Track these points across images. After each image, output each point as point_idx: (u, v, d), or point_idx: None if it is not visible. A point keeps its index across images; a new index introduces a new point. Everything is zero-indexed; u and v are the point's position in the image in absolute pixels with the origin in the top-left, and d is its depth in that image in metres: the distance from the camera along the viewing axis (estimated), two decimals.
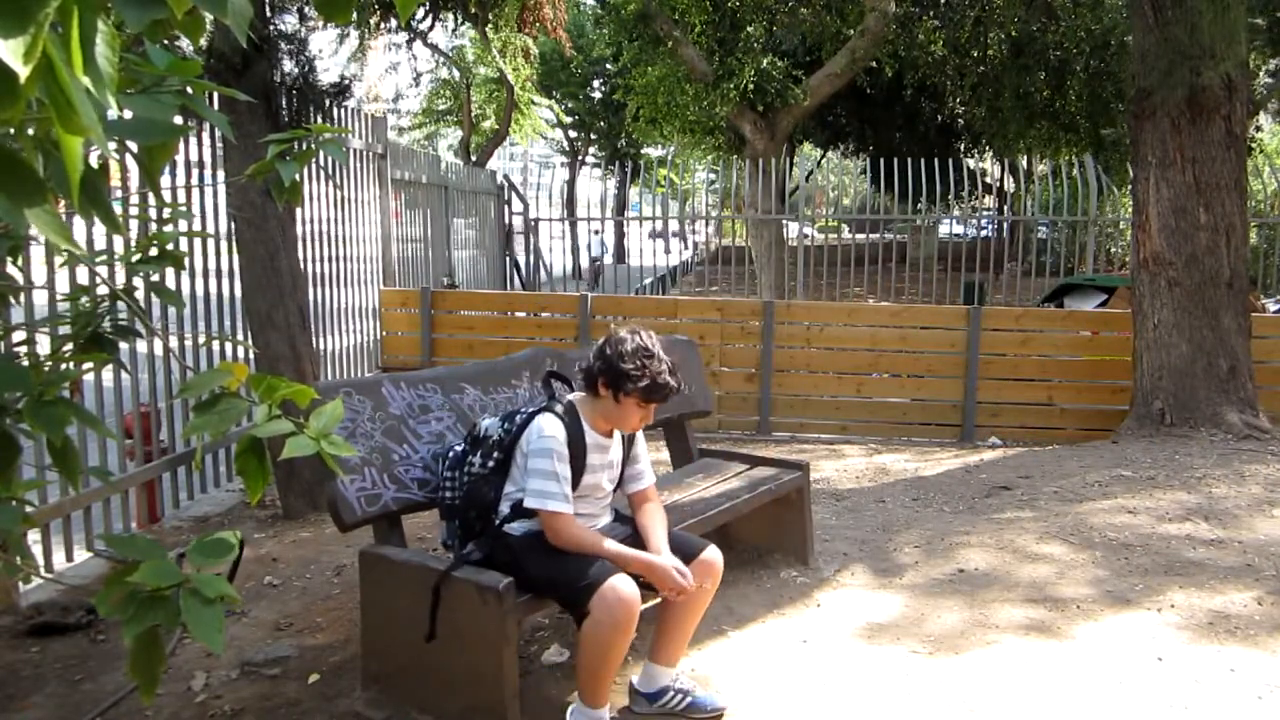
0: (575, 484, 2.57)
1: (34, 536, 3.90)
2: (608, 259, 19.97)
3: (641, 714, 2.68)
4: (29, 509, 2.04)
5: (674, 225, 17.27)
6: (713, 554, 2.65)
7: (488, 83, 22.21)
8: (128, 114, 1.34)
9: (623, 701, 2.73)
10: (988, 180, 22.09)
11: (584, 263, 16.83)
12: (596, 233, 19.00)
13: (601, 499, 2.74)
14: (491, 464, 2.66)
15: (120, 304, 2.07)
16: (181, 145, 4.79)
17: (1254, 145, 12.76)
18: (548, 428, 2.55)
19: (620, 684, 2.81)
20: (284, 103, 5.20)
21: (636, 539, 2.68)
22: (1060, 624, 3.19)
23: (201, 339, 4.93)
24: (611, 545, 2.51)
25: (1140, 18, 5.93)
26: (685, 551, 2.63)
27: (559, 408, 2.63)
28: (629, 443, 2.77)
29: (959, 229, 20.65)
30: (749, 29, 12.30)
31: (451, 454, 2.77)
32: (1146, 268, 5.95)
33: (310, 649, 3.17)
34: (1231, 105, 5.73)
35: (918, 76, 14.19)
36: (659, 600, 2.68)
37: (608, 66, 23.46)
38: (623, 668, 2.89)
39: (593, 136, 28.72)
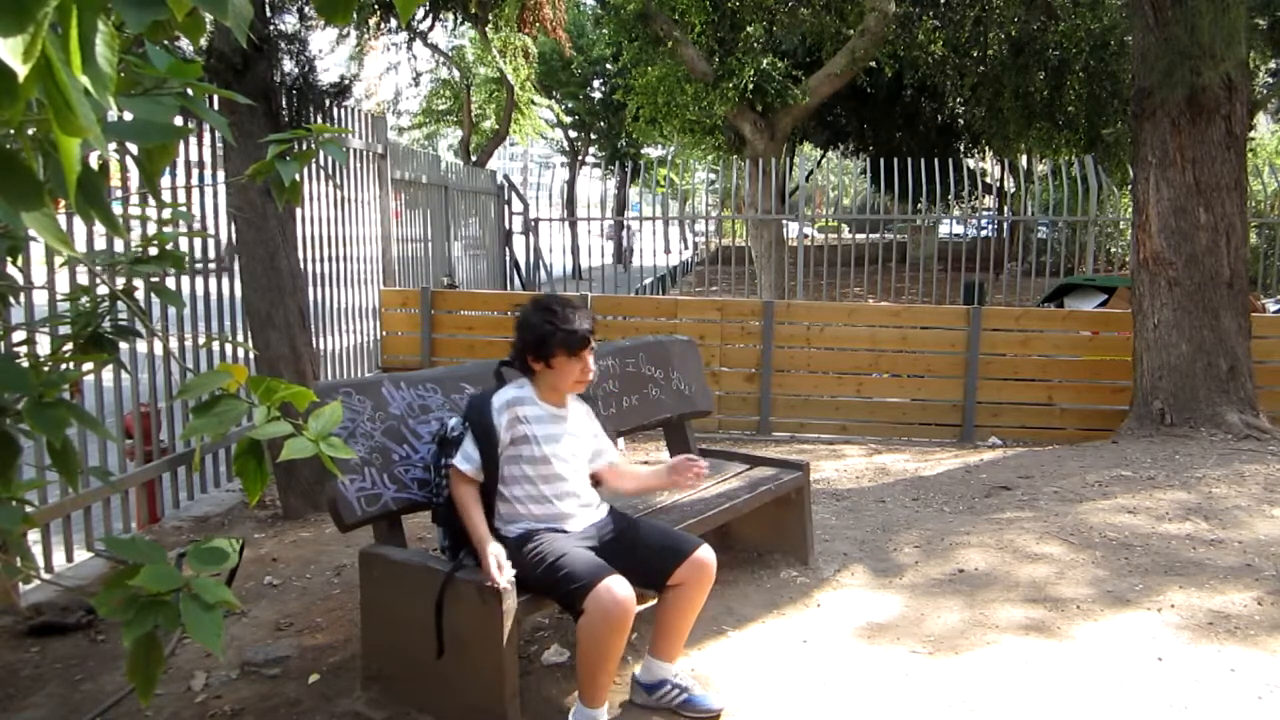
0: (493, 455, 2.61)
1: (34, 536, 3.90)
2: (608, 259, 20.12)
3: (641, 705, 2.71)
4: (29, 509, 2.04)
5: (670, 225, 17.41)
6: (705, 553, 2.64)
7: (488, 83, 22.20)
8: (128, 115, 1.34)
9: (623, 697, 2.74)
10: (988, 180, 22.08)
11: (580, 262, 17.15)
12: (625, 226, 19.46)
13: (572, 474, 2.71)
14: None
15: (120, 304, 2.07)
16: (182, 145, 4.79)
17: (1252, 147, 12.76)
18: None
19: (622, 684, 2.82)
20: (284, 103, 5.20)
21: (629, 536, 2.68)
22: (1060, 624, 3.19)
23: (201, 339, 4.93)
24: (475, 528, 2.55)
25: (1140, 18, 5.93)
26: (678, 549, 2.63)
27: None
28: (588, 414, 2.84)
29: (959, 229, 20.65)
30: (749, 29, 12.30)
31: (430, 455, 2.79)
32: (1146, 268, 5.95)
33: (310, 649, 3.17)
34: (1231, 105, 5.73)
35: (918, 76, 14.18)
36: (654, 601, 2.69)
37: (608, 66, 23.44)
38: (625, 666, 2.89)
39: (593, 136, 28.69)
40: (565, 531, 2.64)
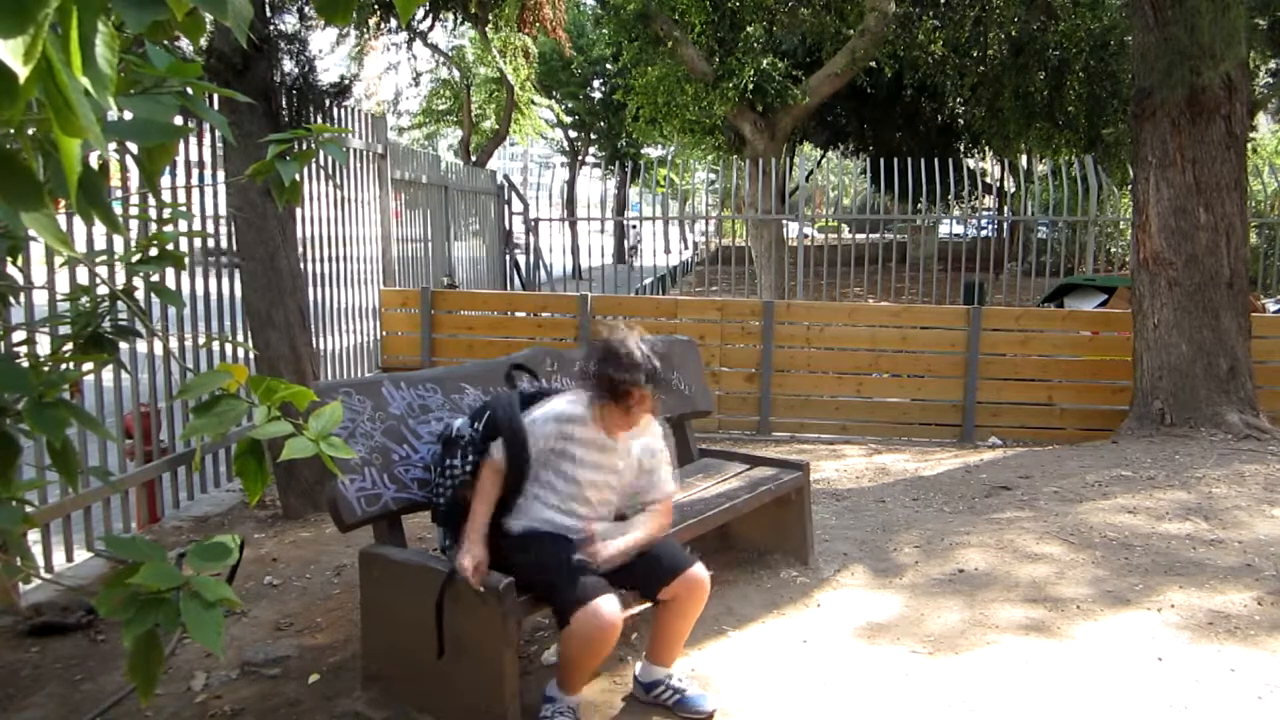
0: (519, 454, 2.61)
1: (34, 536, 3.90)
2: (608, 259, 20.21)
3: (640, 700, 2.74)
4: (29, 509, 2.03)
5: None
6: (699, 571, 2.64)
7: (488, 83, 22.20)
8: (128, 115, 1.34)
9: (626, 692, 2.76)
10: (988, 180, 22.08)
11: (580, 262, 17.20)
12: (634, 227, 19.80)
13: (598, 502, 2.71)
14: (470, 466, 2.68)
15: (120, 304, 2.07)
16: (181, 145, 4.79)
17: (1252, 146, 12.76)
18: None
19: (624, 682, 2.82)
20: (284, 103, 5.20)
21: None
22: (1060, 624, 3.19)
23: (201, 339, 4.93)
24: (474, 520, 2.57)
25: (1140, 18, 5.93)
26: (672, 565, 2.62)
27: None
28: (648, 455, 2.75)
29: (959, 229, 20.65)
30: (749, 29, 12.30)
31: (431, 455, 2.79)
32: (1146, 268, 5.95)
33: (310, 649, 3.17)
34: (1231, 105, 5.73)
35: (918, 76, 14.18)
36: (648, 605, 2.70)
37: (608, 66, 23.44)
38: (626, 665, 2.89)
39: (593, 136, 28.68)
40: (568, 539, 2.64)
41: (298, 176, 1.89)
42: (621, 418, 2.62)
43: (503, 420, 2.65)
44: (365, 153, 7.06)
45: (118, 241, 3.61)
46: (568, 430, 2.64)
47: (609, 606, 2.41)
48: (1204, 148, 5.74)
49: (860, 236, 18.76)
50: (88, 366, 2.10)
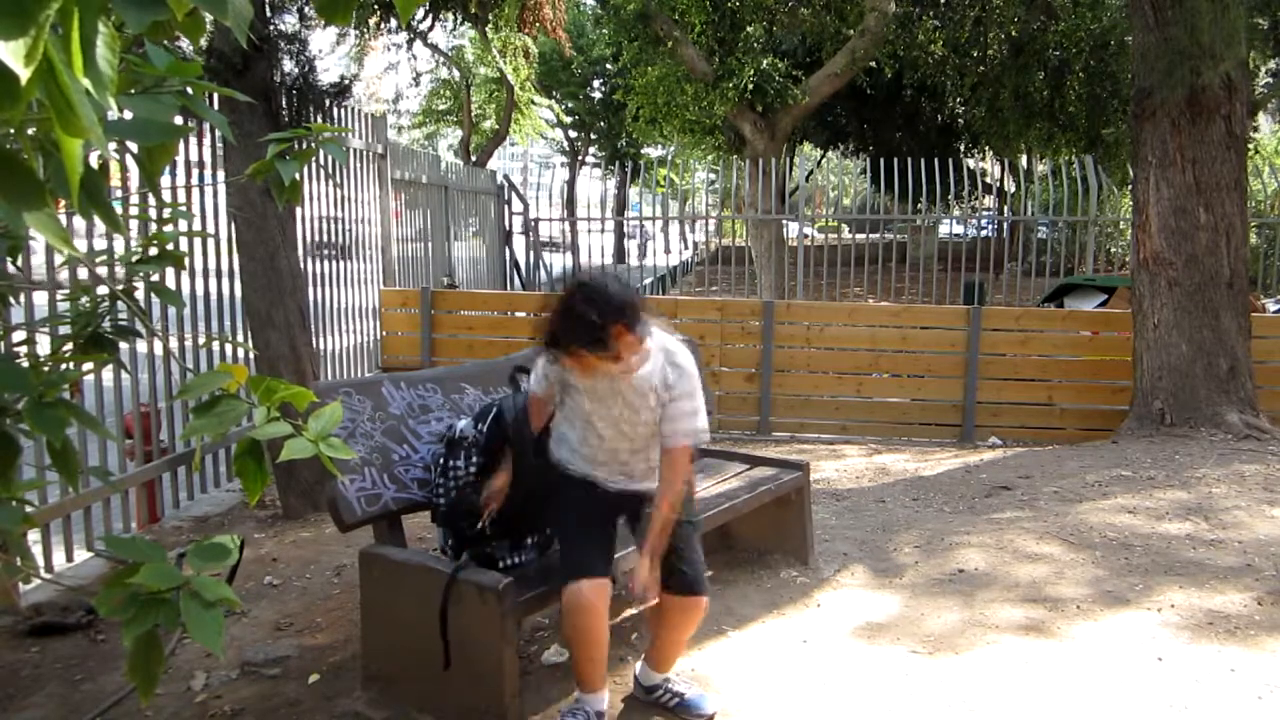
0: (524, 470, 2.68)
1: (34, 536, 3.90)
2: (607, 259, 20.26)
3: (640, 700, 2.74)
4: (29, 509, 2.03)
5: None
6: (702, 600, 2.58)
7: (488, 83, 22.21)
8: (128, 114, 1.34)
9: (626, 692, 2.76)
10: (988, 180, 22.07)
11: (576, 263, 17.27)
12: (641, 227, 20.04)
13: (612, 437, 2.53)
14: (474, 468, 2.68)
15: (120, 304, 2.07)
16: (181, 145, 4.79)
17: (1252, 146, 12.74)
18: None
19: (624, 682, 2.82)
20: (284, 102, 5.19)
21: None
22: (1060, 624, 3.19)
23: (201, 339, 4.93)
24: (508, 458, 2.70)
25: (1140, 18, 5.93)
26: (682, 584, 2.55)
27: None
28: (665, 389, 2.48)
29: (959, 229, 20.65)
30: (749, 29, 12.31)
31: (431, 455, 2.80)
32: (1146, 268, 5.95)
33: (310, 649, 3.17)
34: (1231, 105, 5.73)
35: (918, 76, 14.18)
36: (649, 605, 2.68)
37: (608, 66, 23.46)
38: (626, 665, 2.89)
39: (593, 136, 28.71)
40: (591, 491, 2.59)
41: (297, 176, 1.89)
42: (572, 359, 2.36)
43: (510, 426, 2.65)
44: (365, 153, 7.06)
45: (118, 241, 3.61)
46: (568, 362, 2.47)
47: (591, 589, 2.39)
48: (1204, 148, 5.74)
49: (860, 236, 18.75)
50: (88, 366, 2.10)
